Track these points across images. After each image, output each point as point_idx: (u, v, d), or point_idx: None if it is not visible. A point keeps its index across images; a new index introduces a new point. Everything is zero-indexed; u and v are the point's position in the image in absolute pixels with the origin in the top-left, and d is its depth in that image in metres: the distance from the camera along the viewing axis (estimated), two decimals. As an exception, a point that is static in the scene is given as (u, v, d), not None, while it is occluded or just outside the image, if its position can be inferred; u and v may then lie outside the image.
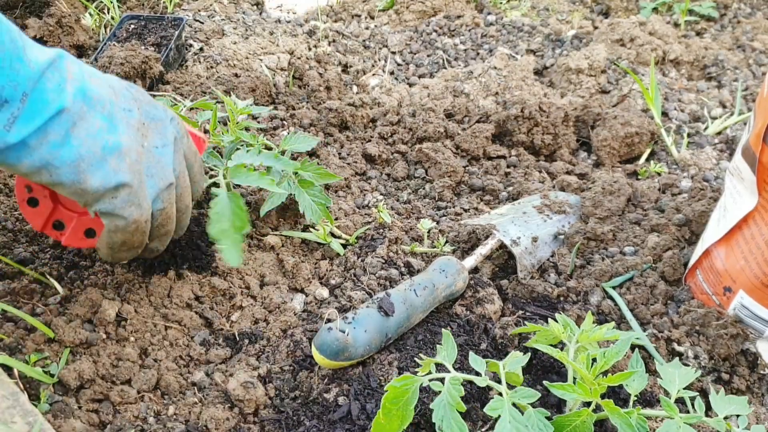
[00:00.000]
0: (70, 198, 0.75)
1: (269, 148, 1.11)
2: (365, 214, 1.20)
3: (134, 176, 0.76)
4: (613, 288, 1.01)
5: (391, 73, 1.78)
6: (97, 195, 0.74)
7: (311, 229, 1.11)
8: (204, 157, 1.02)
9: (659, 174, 1.33)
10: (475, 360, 0.75)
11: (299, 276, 1.04)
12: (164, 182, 0.81)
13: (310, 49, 1.80)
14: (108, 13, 1.83)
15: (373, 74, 1.75)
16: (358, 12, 2.05)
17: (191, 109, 1.28)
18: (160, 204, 0.82)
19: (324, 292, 1.02)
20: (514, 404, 0.70)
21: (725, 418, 0.71)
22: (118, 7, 1.87)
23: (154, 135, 0.80)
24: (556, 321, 0.80)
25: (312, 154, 1.32)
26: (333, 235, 1.11)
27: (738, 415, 0.73)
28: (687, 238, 1.09)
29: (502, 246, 1.09)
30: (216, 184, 0.98)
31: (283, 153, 1.14)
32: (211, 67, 1.64)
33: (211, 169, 1.03)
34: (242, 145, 1.05)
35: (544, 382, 0.74)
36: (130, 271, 1.00)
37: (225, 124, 1.37)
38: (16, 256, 1.00)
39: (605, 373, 0.74)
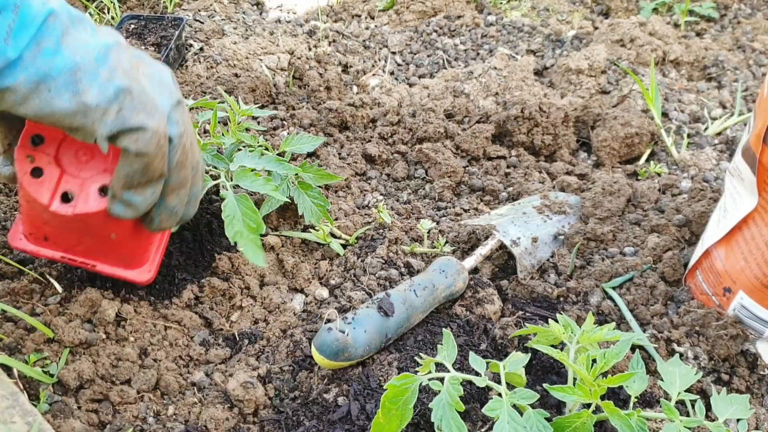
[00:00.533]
0: (74, 126, 0.68)
1: (269, 150, 1.11)
2: (365, 214, 1.20)
3: (132, 82, 0.70)
4: (613, 288, 1.01)
5: (391, 73, 1.78)
6: (100, 111, 0.67)
7: (311, 230, 1.11)
8: (207, 158, 1.02)
9: (659, 174, 1.33)
10: (475, 360, 0.75)
11: (299, 276, 1.04)
12: (173, 96, 0.75)
13: (310, 49, 1.80)
14: (108, 12, 1.83)
15: (373, 74, 1.75)
16: (358, 12, 2.05)
17: (192, 108, 1.28)
18: (175, 126, 0.74)
19: (324, 293, 1.02)
20: (513, 405, 0.69)
21: (725, 422, 0.71)
22: (118, 6, 1.87)
23: (148, 67, 0.76)
24: (556, 321, 0.80)
25: (312, 154, 1.32)
26: (333, 235, 1.11)
27: (739, 420, 0.73)
28: (687, 239, 1.09)
29: (502, 246, 1.09)
30: (219, 186, 0.98)
31: (283, 153, 1.14)
32: (211, 67, 1.64)
33: (215, 168, 1.02)
34: (243, 147, 1.05)
35: (544, 385, 0.74)
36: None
37: (225, 124, 1.37)
38: (15, 256, 1.00)
39: (605, 374, 0.74)
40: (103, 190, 0.79)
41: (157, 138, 0.71)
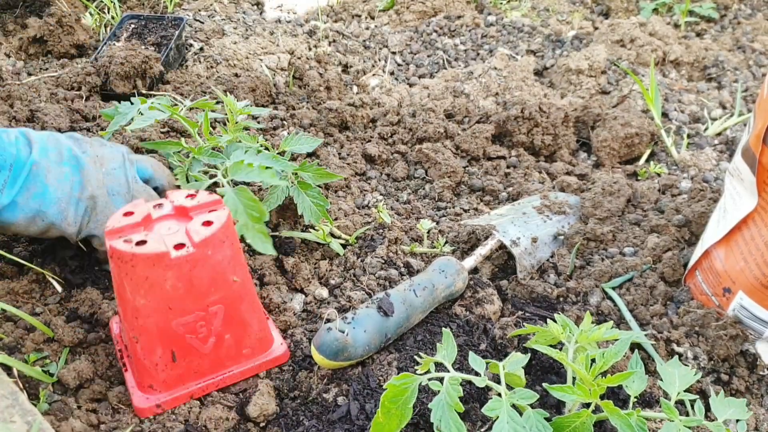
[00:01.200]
0: (58, 236, 0.93)
1: (268, 149, 1.10)
2: (365, 214, 1.20)
3: (100, 192, 0.94)
4: (613, 289, 1.01)
5: (392, 73, 1.78)
6: (77, 227, 0.92)
7: (311, 230, 1.11)
8: (204, 158, 1.02)
9: (659, 175, 1.33)
10: (474, 360, 0.75)
11: (299, 276, 1.04)
12: (128, 196, 0.96)
13: (310, 49, 1.80)
14: (108, 12, 1.83)
15: (373, 74, 1.75)
16: (359, 12, 2.06)
17: (191, 109, 1.28)
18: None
19: (323, 292, 1.02)
20: (513, 405, 0.69)
21: (725, 422, 0.71)
22: (119, 6, 1.87)
23: (108, 162, 0.97)
24: (556, 321, 0.80)
25: (312, 154, 1.32)
26: (332, 235, 1.11)
27: (738, 420, 0.73)
28: (686, 239, 1.09)
29: (501, 246, 1.09)
30: (217, 184, 0.98)
31: (283, 153, 1.14)
32: (211, 66, 1.64)
33: (215, 168, 1.02)
34: (241, 147, 1.04)
35: (544, 385, 0.74)
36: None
37: (225, 124, 1.36)
38: (15, 256, 1.00)
39: (604, 374, 0.74)
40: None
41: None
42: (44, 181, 0.89)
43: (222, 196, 0.86)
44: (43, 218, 0.89)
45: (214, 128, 1.12)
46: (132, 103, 1.08)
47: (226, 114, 1.13)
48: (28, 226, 0.89)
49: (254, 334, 0.85)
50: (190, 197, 0.82)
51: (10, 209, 0.87)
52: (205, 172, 1.04)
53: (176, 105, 1.11)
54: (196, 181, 1.01)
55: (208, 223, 0.78)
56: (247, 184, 1.03)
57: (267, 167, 0.96)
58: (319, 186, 1.08)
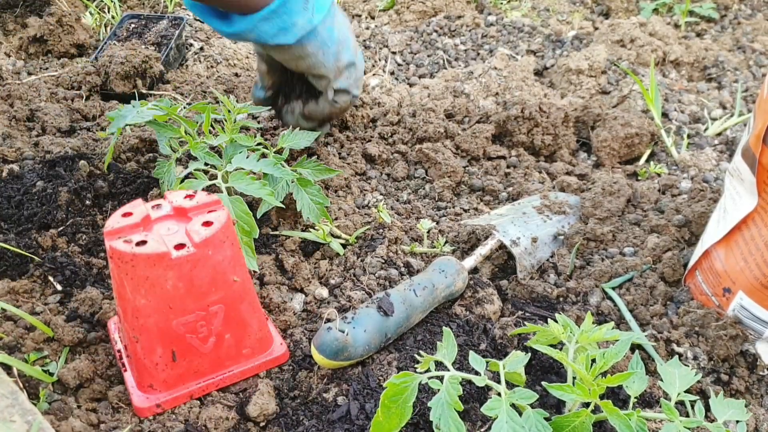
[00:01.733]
0: (322, 76, 1.12)
1: (267, 149, 1.10)
2: (365, 214, 1.20)
3: (356, 58, 1.14)
4: (613, 289, 1.01)
5: (392, 73, 1.78)
6: (341, 72, 1.11)
7: (311, 229, 1.11)
8: (202, 155, 1.02)
9: (659, 175, 1.33)
10: (474, 359, 0.75)
11: (299, 276, 1.04)
12: (360, 66, 1.17)
13: (310, 49, 1.79)
14: (108, 12, 1.83)
15: (374, 74, 1.75)
16: (359, 12, 2.05)
17: (190, 110, 1.28)
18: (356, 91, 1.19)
19: (323, 292, 1.02)
20: (512, 404, 0.69)
21: (725, 422, 0.71)
22: (119, 6, 1.87)
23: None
24: (556, 321, 0.80)
25: (312, 154, 1.32)
26: (332, 234, 1.11)
27: (738, 421, 0.73)
28: (687, 239, 1.09)
29: (501, 246, 1.09)
30: (215, 186, 0.98)
31: (281, 151, 1.14)
32: (212, 66, 1.64)
33: (214, 168, 1.02)
34: (243, 150, 1.05)
35: (543, 383, 0.74)
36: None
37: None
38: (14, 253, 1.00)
39: (604, 374, 0.74)
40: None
41: (352, 102, 1.20)
42: (333, 20, 1.06)
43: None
44: (324, 51, 1.06)
45: (213, 128, 1.12)
46: (133, 106, 1.09)
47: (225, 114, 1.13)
48: (311, 56, 1.06)
49: (254, 334, 0.85)
50: (188, 198, 0.82)
51: (312, 33, 1.03)
52: (205, 172, 1.03)
53: (175, 106, 1.11)
54: (195, 179, 1.01)
55: (207, 224, 0.78)
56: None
57: (266, 182, 0.96)
58: (318, 183, 1.08)
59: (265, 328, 0.88)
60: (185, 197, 0.82)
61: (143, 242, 0.75)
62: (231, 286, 0.80)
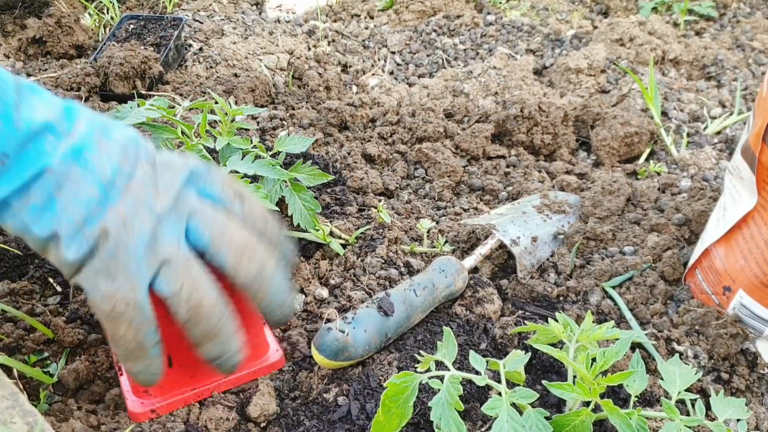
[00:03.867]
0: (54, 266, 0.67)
1: (262, 151, 1.10)
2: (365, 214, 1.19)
3: (110, 241, 0.62)
4: (613, 288, 1.01)
5: (391, 72, 1.78)
6: (74, 267, 0.62)
7: (311, 229, 1.11)
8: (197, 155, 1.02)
9: (659, 174, 1.33)
10: (474, 359, 0.75)
11: (298, 276, 1.04)
12: (158, 254, 0.64)
13: (309, 49, 1.80)
14: (107, 13, 1.83)
15: (373, 74, 1.75)
16: (358, 12, 2.05)
17: (190, 109, 1.28)
18: (165, 286, 0.64)
19: (323, 292, 1.02)
20: (513, 404, 0.69)
21: (725, 421, 0.71)
22: (118, 7, 1.87)
23: (163, 198, 0.65)
24: (556, 320, 0.80)
25: (310, 155, 1.32)
26: (332, 234, 1.11)
27: (738, 420, 0.73)
28: (686, 238, 1.09)
29: (501, 246, 1.09)
30: None
31: (277, 155, 1.14)
32: (211, 67, 1.64)
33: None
34: (238, 153, 1.04)
35: (543, 382, 0.74)
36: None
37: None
38: (16, 255, 1.00)
39: (605, 373, 0.74)
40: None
41: (111, 306, 0.62)
42: (53, 193, 0.61)
43: None
44: (32, 239, 0.62)
45: (210, 130, 1.12)
46: (131, 107, 1.09)
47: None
48: (19, 236, 0.63)
49: (250, 341, 0.81)
50: None
51: (2, 209, 0.61)
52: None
53: (173, 107, 1.11)
54: None
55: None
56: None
57: (260, 186, 0.95)
58: (311, 188, 1.07)
59: (262, 335, 0.87)
60: None
61: None
62: (228, 290, 0.74)
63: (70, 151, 0.62)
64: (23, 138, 0.60)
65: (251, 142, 1.08)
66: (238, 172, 0.98)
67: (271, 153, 1.11)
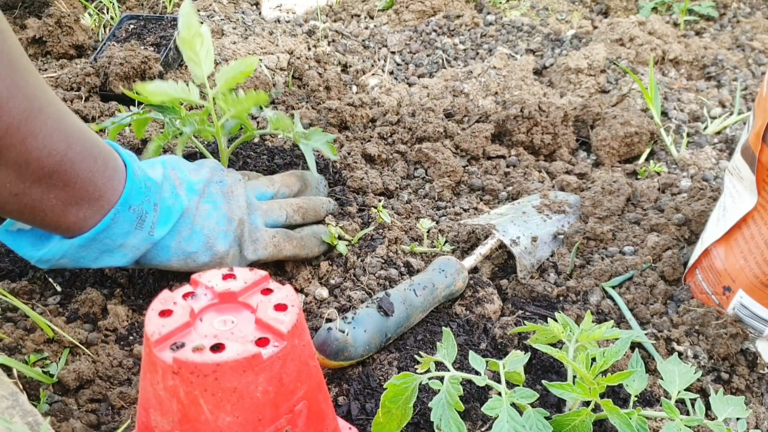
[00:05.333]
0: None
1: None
2: (365, 214, 1.19)
3: (244, 232, 0.95)
4: (613, 288, 1.01)
5: (391, 72, 1.78)
6: (229, 257, 0.94)
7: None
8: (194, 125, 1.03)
9: (659, 174, 1.33)
10: (474, 359, 0.75)
11: (299, 276, 1.04)
12: (262, 244, 0.98)
13: (309, 49, 1.80)
14: (107, 12, 1.83)
15: (373, 74, 1.75)
16: (358, 12, 2.05)
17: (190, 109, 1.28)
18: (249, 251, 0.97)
19: (323, 292, 1.02)
20: (513, 404, 0.69)
21: (725, 420, 0.71)
22: (118, 7, 1.87)
23: (239, 195, 0.97)
24: (556, 320, 0.80)
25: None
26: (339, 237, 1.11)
27: (738, 418, 0.73)
28: (686, 238, 1.09)
29: (501, 246, 1.09)
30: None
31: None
32: (211, 67, 1.63)
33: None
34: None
35: (543, 382, 0.74)
36: (129, 271, 1.00)
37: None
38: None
39: (605, 373, 0.74)
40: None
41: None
42: (193, 223, 0.90)
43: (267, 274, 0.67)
44: (195, 260, 0.91)
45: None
46: (129, 109, 1.09)
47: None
48: (182, 266, 0.91)
49: (329, 426, 0.70)
50: (229, 278, 0.64)
51: (161, 251, 0.89)
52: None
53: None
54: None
55: (281, 307, 0.61)
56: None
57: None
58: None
59: (335, 417, 0.73)
60: (224, 278, 0.64)
61: (219, 346, 0.57)
62: (312, 376, 0.64)
63: (188, 191, 0.91)
64: (159, 189, 0.89)
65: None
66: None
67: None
